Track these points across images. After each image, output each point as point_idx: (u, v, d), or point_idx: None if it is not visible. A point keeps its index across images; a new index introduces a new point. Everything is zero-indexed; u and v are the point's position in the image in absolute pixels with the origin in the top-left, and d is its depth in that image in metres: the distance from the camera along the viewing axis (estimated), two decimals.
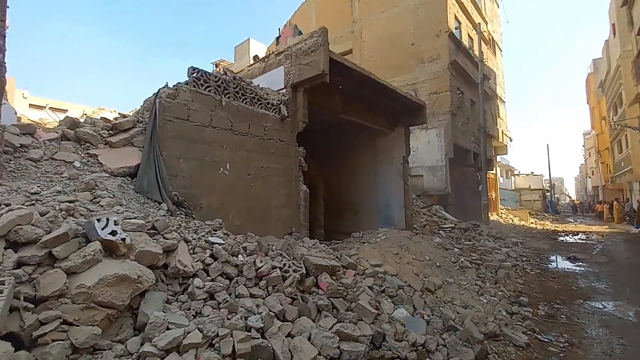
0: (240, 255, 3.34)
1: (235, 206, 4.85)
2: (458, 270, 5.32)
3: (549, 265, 8.14)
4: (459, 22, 14.64)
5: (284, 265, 3.58)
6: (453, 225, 8.83)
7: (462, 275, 5.18)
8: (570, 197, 77.67)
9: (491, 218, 18.12)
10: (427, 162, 13.60)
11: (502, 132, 19.87)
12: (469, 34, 15.85)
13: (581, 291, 5.69)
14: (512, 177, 40.61)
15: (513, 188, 38.09)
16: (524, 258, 8.48)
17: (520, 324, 4.01)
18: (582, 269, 7.72)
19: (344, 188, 9.89)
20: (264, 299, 3.00)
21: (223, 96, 4.79)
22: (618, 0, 19.71)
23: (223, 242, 3.40)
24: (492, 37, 19.29)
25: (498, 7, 21.74)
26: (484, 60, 14.88)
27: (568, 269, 7.71)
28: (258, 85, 5.93)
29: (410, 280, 4.37)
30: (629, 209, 20.76)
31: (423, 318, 3.74)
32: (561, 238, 14.20)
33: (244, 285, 3.02)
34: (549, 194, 37.64)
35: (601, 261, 8.42)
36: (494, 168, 20.59)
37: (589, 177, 49.28)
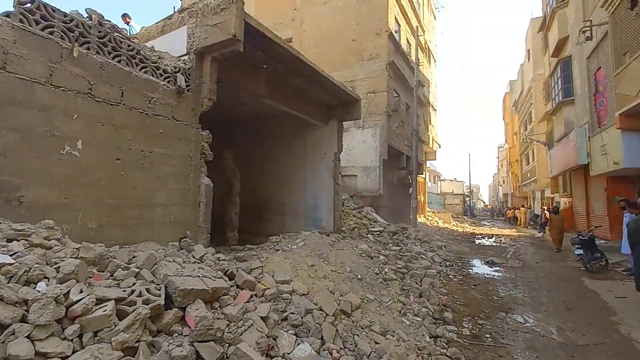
0: (42, 283, 2.06)
1: (91, 203, 3.46)
2: (381, 283, 4.66)
3: (470, 270, 8.11)
4: (399, 25, 14.60)
5: (133, 293, 2.40)
6: (382, 228, 8.38)
7: (385, 290, 4.51)
8: (484, 203, 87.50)
9: (419, 220, 18.68)
10: (362, 162, 13.23)
11: (433, 139, 20.76)
12: (407, 39, 16.00)
13: (502, 302, 5.49)
14: (439, 182, 43.78)
15: (439, 192, 40.98)
16: (447, 263, 8.37)
17: (444, 351, 3.39)
18: (500, 274, 7.80)
19: (268, 185, 8.81)
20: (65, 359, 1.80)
21: (76, 45, 3.36)
22: (535, 27, 21.94)
23: (13, 260, 2.08)
24: (428, 47, 19.98)
25: (435, 19, 22.74)
26: (420, 64, 15.08)
27: (487, 274, 7.72)
28: (152, 48, 4.56)
29: (322, 300, 3.50)
30: (531, 215, 23.38)
31: (332, 355, 2.88)
32: (478, 241, 15.03)
33: (27, 337, 1.77)
34: (468, 199, 41.36)
35: (516, 266, 8.70)
36: (424, 172, 21.41)
37: (500, 185, 55.63)
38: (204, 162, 4.91)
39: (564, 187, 15.79)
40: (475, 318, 4.59)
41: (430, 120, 20.48)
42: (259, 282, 3.51)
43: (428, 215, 21.74)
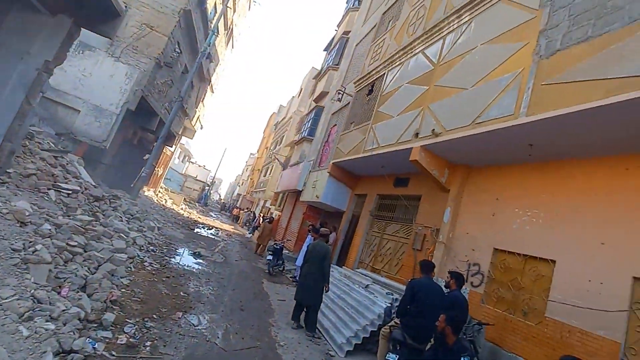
0: None
1: None
2: (14, 266, 2.98)
3: (173, 259, 7.51)
4: None
5: None
6: (78, 188, 6.18)
7: (18, 278, 2.90)
8: (220, 196, 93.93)
9: (146, 193, 16.50)
10: (97, 98, 9.97)
11: (198, 118, 19.62)
12: (215, 4, 14.54)
13: (187, 299, 5.13)
14: (187, 163, 42.38)
15: (183, 173, 39.46)
16: (151, 248, 7.37)
17: None
18: (200, 267, 7.69)
19: None
20: None
21: None
22: (312, 74, 26.65)
23: None
24: (232, 28, 19.26)
25: (248, 10, 22.53)
26: (216, 36, 13.94)
27: (188, 266, 7.38)
28: None
29: None
30: (248, 217, 26.87)
31: None
32: (198, 229, 15.05)
33: None
34: (208, 188, 42.50)
35: (218, 261, 9.01)
36: (175, 146, 19.61)
37: (239, 186, 61.71)
38: None
39: (280, 203, 19.16)
40: (146, 319, 3.86)
41: (203, 98, 19.34)
42: None
43: (159, 192, 19.81)
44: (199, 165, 46.28)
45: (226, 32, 18.00)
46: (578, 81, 3.76)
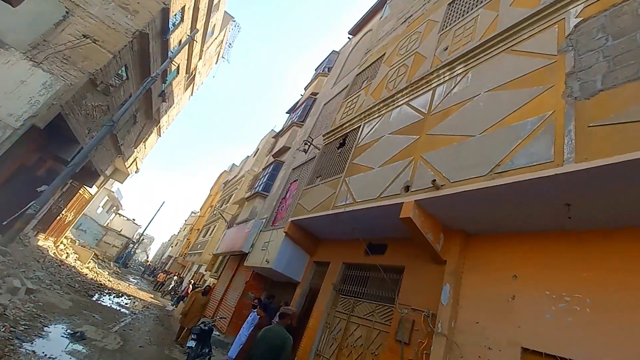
0: None
1: None
2: None
3: (29, 343, 4.70)
4: (182, 16, 12.24)
5: None
6: None
7: None
8: (147, 257, 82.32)
9: (40, 241, 12.74)
10: None
11: (136, 160, 17.05)
12: (180, 40, 13.66)
13: None
14: (113, 215, 36.75)
15: (105, 225, 33.81)
16: (0, 323, 4.57)
17: None
18: (75, 359, 4.91)
19: None
20: None
21: None
22: (271, 135, 26.21)
23: None
24: (195, 74, 18.38)
25: (215, 63, 22.25)
26: (175, 68, 12.68)
27: (51, 357, 4.61)
28: None
29: None
30: (174, 285, 22.45)
31: None
32: (101, 296, 11.45)
33: None
34: (132, 246, 36.51)
35: (110, 347, 6.12)
36: (98, 189, 16.36)
37: (172, 246, 54.82)
38: None
39: (217, 268, 16.17)
40: None
41: (147, 139, 17.12)
42: None
43: (62, 242, 15.70)
44: (127, 219, 40.37)
45: (187, 76, 16.96)
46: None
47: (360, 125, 8.05)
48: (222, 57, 22.90)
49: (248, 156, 36.15)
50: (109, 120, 8.23)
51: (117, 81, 10.75)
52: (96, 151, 11.62)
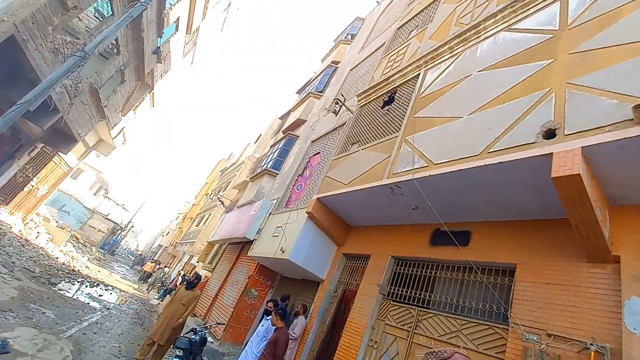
0: None
1: None
2: None
3: None
4: None
5: None
6: None
7: None
8: (138, 246, 79.51)
9: (3, 216, 10.55)
10: None
11: (123, 130, 14.80)
12: None
13: None
14: (102, 197, 34.29)
15: (92, 208, 31.40)
16: None
17: None
18: None
19: None
20: None
21: None
22: (276, 123, 24.33)
23: None
24: (196, 39, 16.15)
25: (220, 30, 20.01)
26: (174, 22, 10.53)
27: None
28: None
29: None
30: (161, 276, 20.29)
31: None
32: (70, 286, 9.30)
33: None
34: (119, 232, 34.16)
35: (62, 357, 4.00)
36: (77, 159, 14.09)
37: (163, 236, 52.42)
38: None
39: (212, 259, 14.04)
40: None
41: (137, 106, 14.84)
42: None
43: (32, 220, 13.46)
44: (117, 204, 37.88)
45: (188, 37, 14.74)
46: None
47: (418, 74, 5.97)
48: (228, 25, 20.71)
49: (249, 143, 33.93)
50: (79, 49, 6.02)
51: (98, 18, 8.56)
52: (71, 107, 9.42)
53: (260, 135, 30.10)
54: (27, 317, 5.16)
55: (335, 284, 6.34)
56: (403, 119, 5.49)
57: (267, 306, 5.56)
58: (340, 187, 5.87)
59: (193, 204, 40.64)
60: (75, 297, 8.24)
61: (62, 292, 8.04)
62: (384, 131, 5.93)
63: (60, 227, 17.34)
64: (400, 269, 5.18)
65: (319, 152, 8.55)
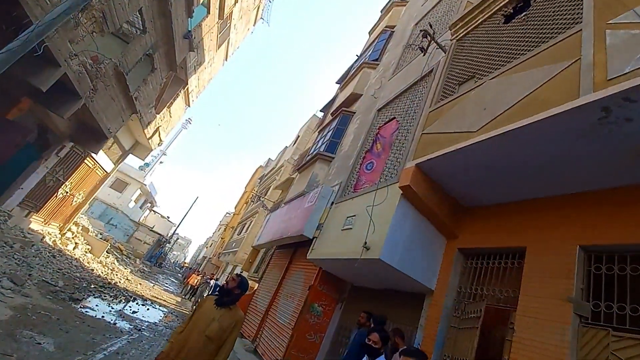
0: None
1: None
2: None
3: None
4: None
5: None
6: None
7: None
8: (185, 259, 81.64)
9: (35, 225, 9.54)
10: None
11: (158, 129, 13.72)
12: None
13: None
14: (147, 211, 34.65)
15: (139, 221, 31.61)
16: None
17: None
18: None
19: None
20: None
21: None
22: (312, 123, 22.81)
23: None
24: (232, 21, 14.87)
25: (253, 24, 18.81)
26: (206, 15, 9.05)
27: None
28: None
29: None
30: (208, 289, 18.97)
31: None
32: (99, 301, 7.86)
33: None
34: (166, 244, 34.15)
35: None
36: (113, 164, 13.16)
37: (207, 248, 52.73)
38: None
39: (257, 267, 12.25)
40: None
41: (172, 103, 13.73)
42: None
43: (70, 230, 12.62)
44: (162, 216, 38.25)
45: (220, 23, 13.45)
46: None
47: None
48: (261, 18, 19.47)
49: (286, 147, 32.61)
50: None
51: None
52: (94, 93, 8.17)
53: (299, 136, 28.57)
54: (3, 354, 3.47)
55: (456, 297, 4.04)
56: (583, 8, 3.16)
57: (359, 320, 3.39)
58: (460, 140, 3.63)
59: (234, 214, 40.06)
60: (100, 316, 6.69)
61: (83, 311, 6.51)
62: (526, 46, 3.63)
63: (104, 239, 16.69)
64: (603, 268, 2.80)
65: (394, 118, 6.37)
